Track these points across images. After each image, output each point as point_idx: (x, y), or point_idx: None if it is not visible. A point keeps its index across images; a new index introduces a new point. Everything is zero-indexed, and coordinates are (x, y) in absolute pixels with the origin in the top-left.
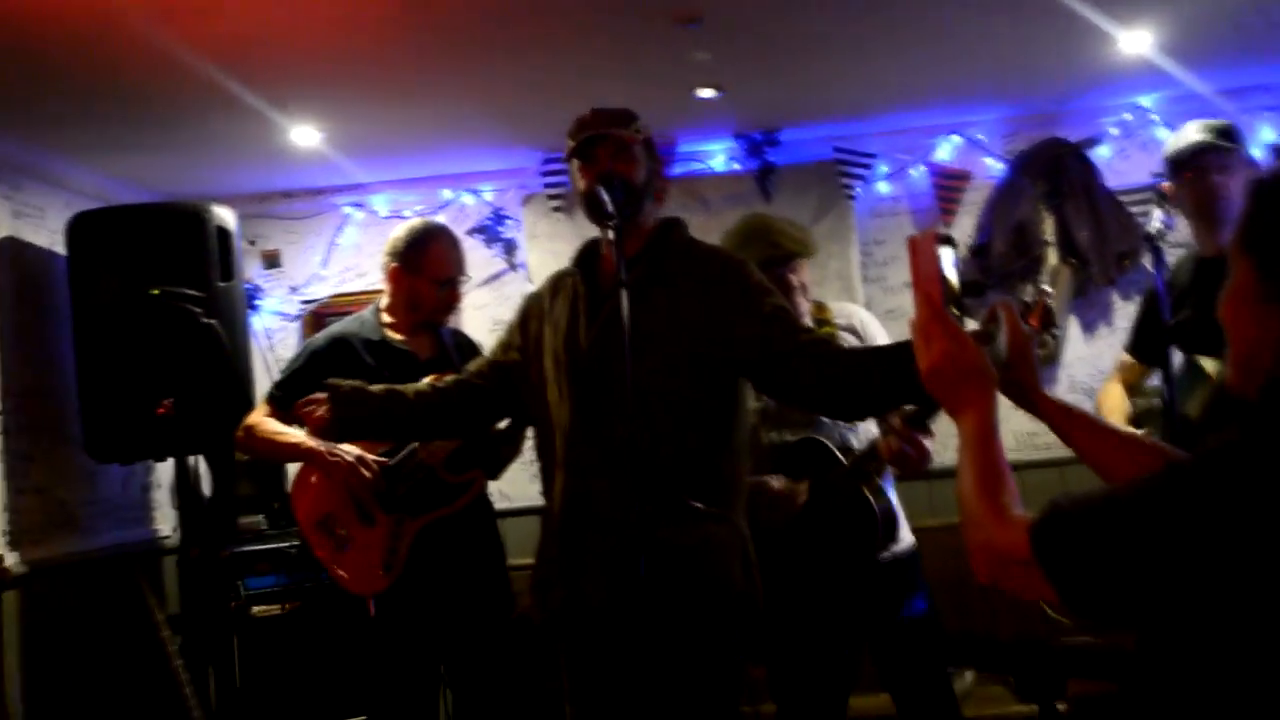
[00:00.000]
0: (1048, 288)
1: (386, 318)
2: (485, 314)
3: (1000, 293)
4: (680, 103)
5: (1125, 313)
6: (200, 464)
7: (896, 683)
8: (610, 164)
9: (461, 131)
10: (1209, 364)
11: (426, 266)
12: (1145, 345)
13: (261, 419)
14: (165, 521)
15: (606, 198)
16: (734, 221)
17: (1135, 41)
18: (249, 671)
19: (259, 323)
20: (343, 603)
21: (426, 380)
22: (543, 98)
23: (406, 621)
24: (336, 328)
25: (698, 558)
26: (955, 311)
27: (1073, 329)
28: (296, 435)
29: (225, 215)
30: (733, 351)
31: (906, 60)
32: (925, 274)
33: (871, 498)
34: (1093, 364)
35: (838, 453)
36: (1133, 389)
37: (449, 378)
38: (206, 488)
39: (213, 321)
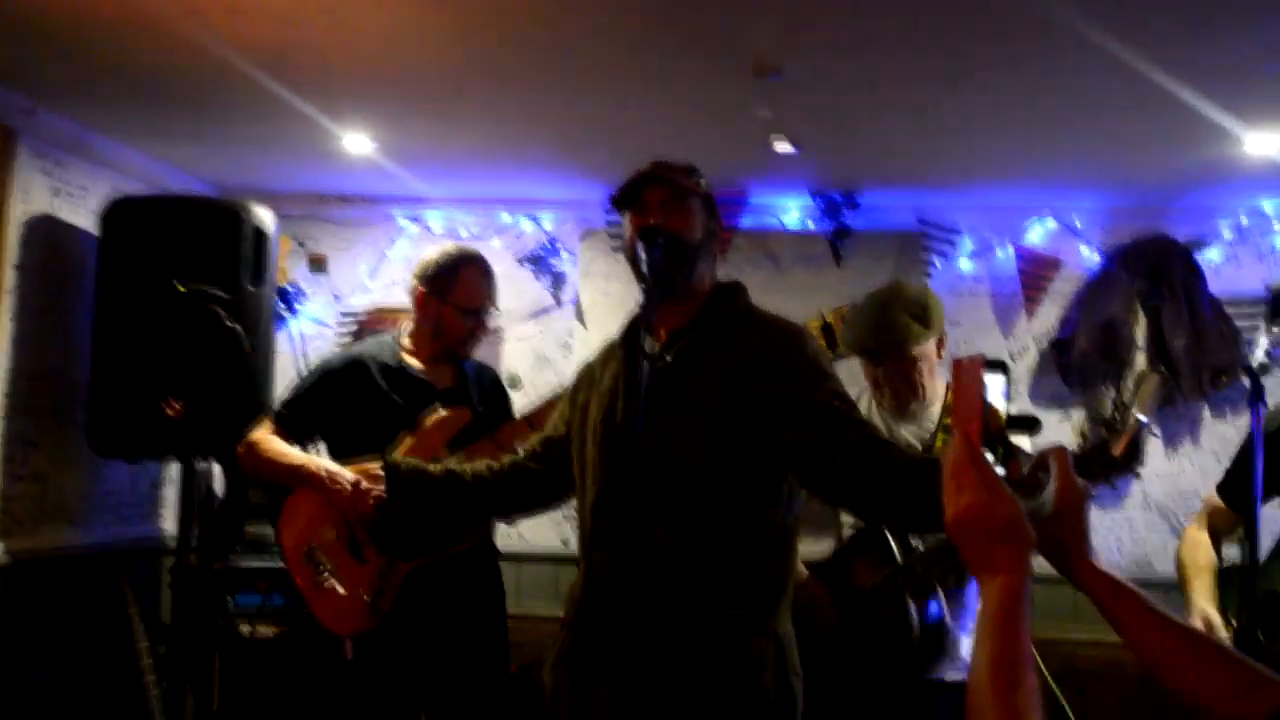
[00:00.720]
0: (1142, 415)
1: (407, 343)
2: (528, 347)
3: (1079, 392)
4: (756, 154)
5: (1214, 431)
6: (214, 468)
7: None
8: (659, 215)
9: (524, 157)
10: None
11: (455, 294)
12: (1240, 491)
13: (265, 436)
14: (173, 520)
15: (644, 255)
16: (802, 281)
17: (1262, 144)
18: (228, 693)
19: (296, 327)
20: (327, 637)
21: (484, 462)
22: (612, 133)
23: (385, 669)
24: (355, 348)
25: (724, 673)
26: (1000, 449)
27: (1153, 442)
28: (299, 456)
29: (264, 216)
30: (774, 438)
31: (1003, 134)
32: (967, 405)
33: (915, 610)
34: (1171, 482)
35: (895, 548)
36: (1219, 536)
37: (506, 459)
38: (220, 491)
39: (236, 326)
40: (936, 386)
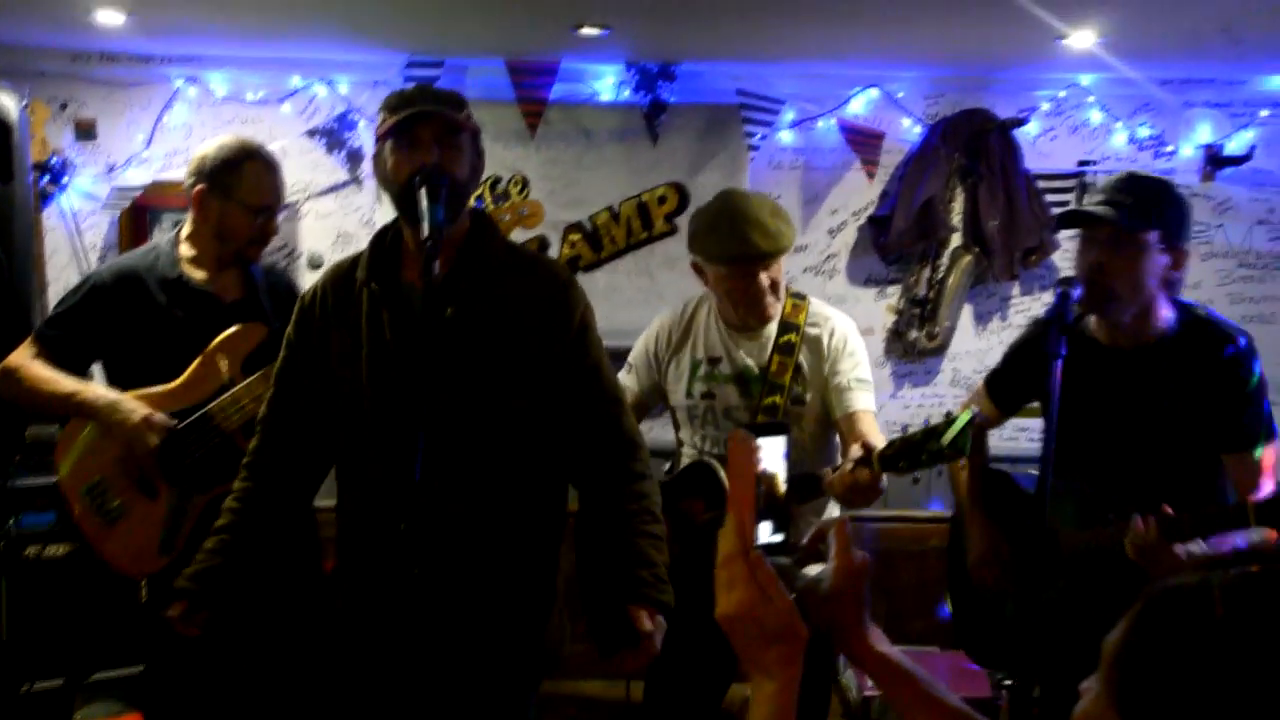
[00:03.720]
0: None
1: (187, 250)
2: (329, 224)
3: (895, 270)
4: (565, 32)
5: (1021, 308)
6: None
7: None
8: (435, 153)
9: (313, 29)
10: None
11: (240, 190)
12: (1008, 392)
13: (25, 361)
14: None
15: (426, 207)
16: (617, 157)
17: (1082, 39)
18: (19, 619)
19: (66, 203)
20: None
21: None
22: (409, 5)
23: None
24: (126, 260)
25: (532, 618)
26: (779, 519)
27: (964, 319)
28: (71, 383)
29: (4, 102)
30: (545, 378)
31: (826, 10)
32: (739, 488)
33: None
34: (980, 359)
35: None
36: (984, 428)
37: (259, 434)
38: None
39: None
40: (775, 305)
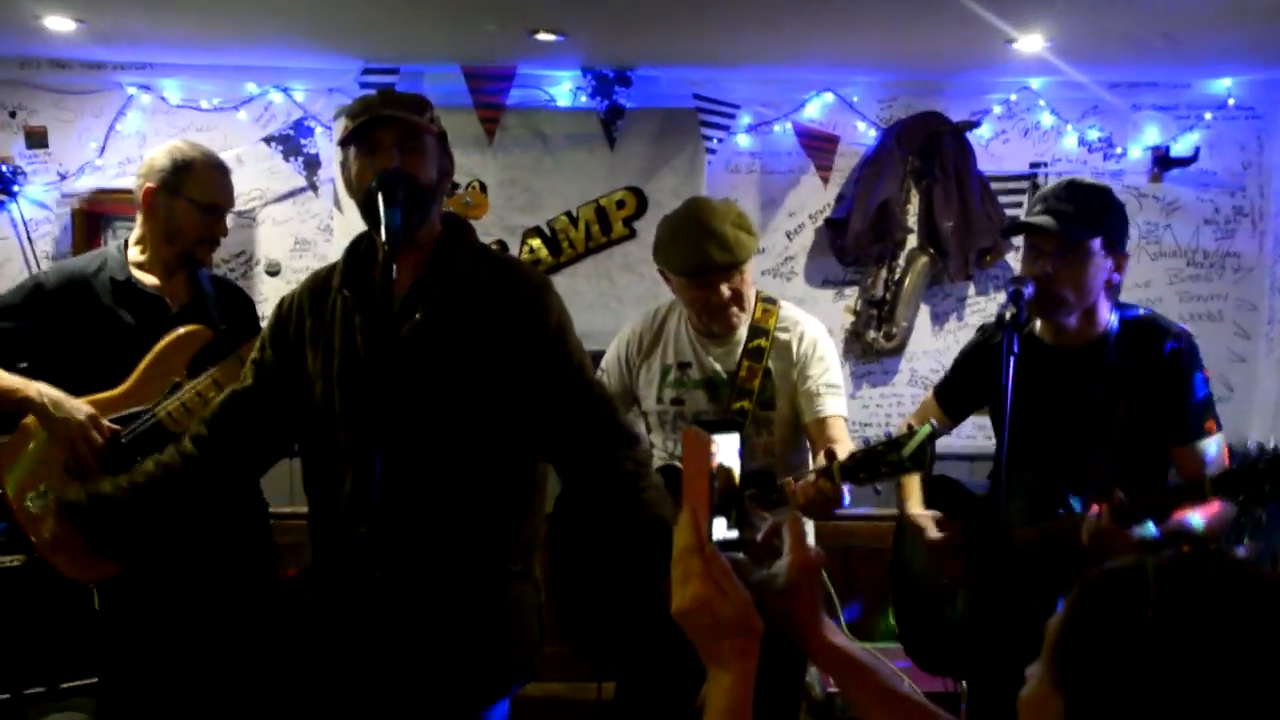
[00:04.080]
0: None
1: (137, 254)
2: (287, 230)
3: (853, 272)
4: (521, 37)
5: (977, 307)
6: None
7: None
8: (396, 157)
9: (267, 36)
10: None
11: (188, 187)
12: (958, 400)
13: None
14: None
15: (383, 210)
16: (574, 162)
17: (1031, 43)
18: None
19: (18, 211)
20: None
21: (190, 433)
22: (364, 12)
23: (137, 617)
24: (72, 263)
25: (502, 622)
26: (734, 516)
27: (921, 319)
28: (12, 379)
29: None
30: (523, 396)
31: (780, 17)
32: (694, 484)
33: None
34: (937, 358)
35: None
36: None
37: (212, 412)
38: None
39: None
40: (739, 315)
